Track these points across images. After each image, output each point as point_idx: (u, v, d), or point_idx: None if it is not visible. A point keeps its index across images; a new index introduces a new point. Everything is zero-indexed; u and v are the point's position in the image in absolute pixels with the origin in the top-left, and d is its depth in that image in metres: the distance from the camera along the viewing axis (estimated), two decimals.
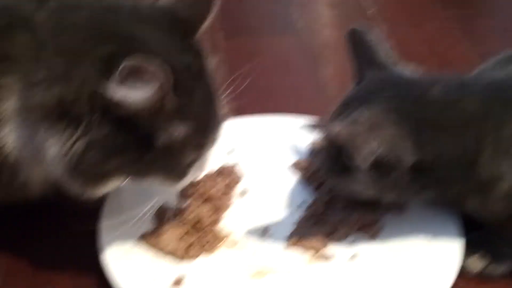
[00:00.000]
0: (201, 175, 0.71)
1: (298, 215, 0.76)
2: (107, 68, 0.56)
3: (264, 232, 0.74)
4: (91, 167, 0.60)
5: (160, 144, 0.60)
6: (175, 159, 0.63)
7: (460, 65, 1.02)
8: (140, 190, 0.69)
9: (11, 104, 0.61)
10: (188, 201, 0.75)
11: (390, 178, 0.66)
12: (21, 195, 0.68)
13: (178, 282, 0.67)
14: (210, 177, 0.79)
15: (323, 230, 0.74)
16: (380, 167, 0.64)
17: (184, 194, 0.76)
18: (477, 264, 0.71)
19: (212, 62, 0.67)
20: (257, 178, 0.82)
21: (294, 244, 0.72)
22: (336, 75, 1.07)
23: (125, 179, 0.63)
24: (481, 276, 0.71)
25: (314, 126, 0.69)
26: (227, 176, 0.81)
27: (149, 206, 0.68)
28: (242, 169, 0.83)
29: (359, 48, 0.74)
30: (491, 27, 1.18)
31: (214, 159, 0.79)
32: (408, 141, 0.64)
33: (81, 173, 0.60)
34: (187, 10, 0.66)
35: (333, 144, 0.67)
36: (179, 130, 0.60)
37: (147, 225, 0.72)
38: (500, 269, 0.71)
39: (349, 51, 0.75)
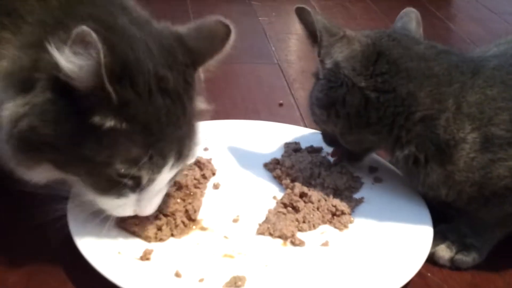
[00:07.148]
0: (146, 215, 0.67)
1: (269, 205, 0.77)
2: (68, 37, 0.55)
3: (235, 219, 0.74)
4: (25, 133, 0.57)
5: (91, 129, 0.57)
6: (102, 158, 0.58)
7: None
8: None
9: (3, 65, 0.59)
10: None
11: (340, 92, 0.74)
12: None
13: (146, 257, 0.66)
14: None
15: (294, 219, 0.74)
16: (334, 77, 0.74)
17: None
18: (445, 253, 0.71)
19: (201, 101, 0.66)
20: (230, 174, 0.83)
21: (264, 231, 0.72)
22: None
23: (53, 166, 0.60)
24: (452, 266, 0.72)
25: None
26: (202, 168, 0.81)
27: None
28: (217, 164, 0.83)
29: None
30: None
31: None
32: (369, 65, 0.72)
33: (16, 140, 0.58)
34: (198, 41, 0.65)
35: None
36: (113, 123, 0.57)
37: None
38: (467, 260, 0.71)
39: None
